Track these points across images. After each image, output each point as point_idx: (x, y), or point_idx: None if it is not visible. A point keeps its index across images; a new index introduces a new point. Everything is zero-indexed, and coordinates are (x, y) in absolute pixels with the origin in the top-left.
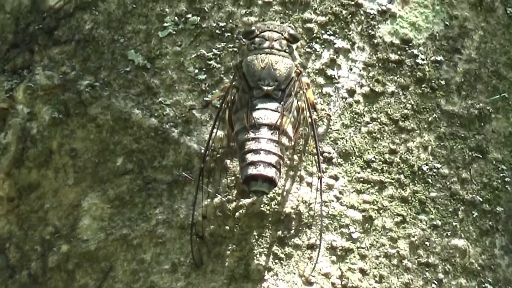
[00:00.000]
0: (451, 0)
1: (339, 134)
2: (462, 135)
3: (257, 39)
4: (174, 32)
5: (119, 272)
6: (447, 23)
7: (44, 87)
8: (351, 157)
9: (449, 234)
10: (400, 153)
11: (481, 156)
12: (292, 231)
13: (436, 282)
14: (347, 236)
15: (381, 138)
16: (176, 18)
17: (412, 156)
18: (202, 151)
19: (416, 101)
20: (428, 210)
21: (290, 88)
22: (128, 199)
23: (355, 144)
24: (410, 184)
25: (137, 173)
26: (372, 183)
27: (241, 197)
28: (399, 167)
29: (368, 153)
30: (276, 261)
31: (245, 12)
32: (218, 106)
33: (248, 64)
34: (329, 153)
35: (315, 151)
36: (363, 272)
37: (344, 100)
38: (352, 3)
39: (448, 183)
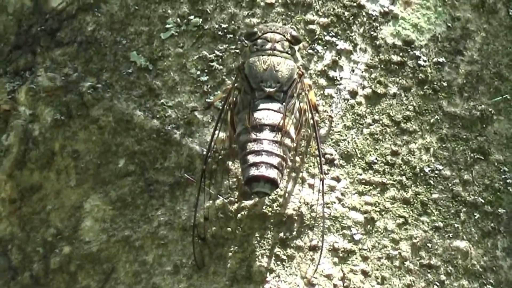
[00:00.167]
0: (453, 1)
1: (341, 135)
2: (464, 136)
3: (259, 41)
4: (176, 34)
5: (121, 274)
6: (449, 24)
7: (46, 89)
8: (353, 159)
9: (451, 236)
10: (402, 155)
11: (483, 158)
12: (294, 233)
13: (438, 284)
14: (349, 238)
15: (383, 140)
16: (178, 19)
17: (414, 157)
18: (204, 152)
19: (418, 102)
20: (430, 211)
21: (292, 90)
22: (130, 200)
23: (357, 145)
24: (412, 185)
25: (139, 174)
26: (374, 185)
27: (243, 199)
28: (401, 168)
29: (370, 154)
30: (278, 262)
31: (247, 14)
32: (220, 107)
33: (250, 66)
34: (331, 154)
35: (317, 152)
36: (365, 273)
37: (346, 101)
38: (354, 4)
39: (450, 184)
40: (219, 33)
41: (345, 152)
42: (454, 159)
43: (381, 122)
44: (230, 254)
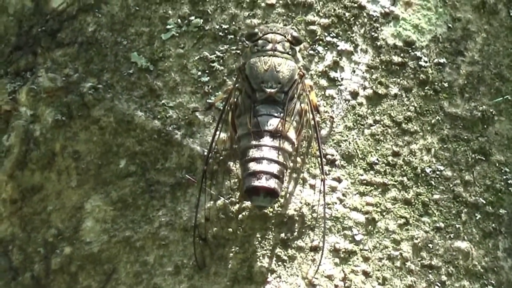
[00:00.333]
0: (454, 2)
1: (342, 136)
2: (465, 137)
3: (260, 41)
4: (177, 34)
5: (122, 274)
6: (450, 25)
7: (47, 89)
8: (354, 159)
9: (452, 236)
10: (403, 155)
11: (484, 158)
12: (295, 233)
13: (439, 284)
14: (350, 238)
15: (384, 140)
16: (179, 20)
17: (415, 158)
18: (205, 153)
19: (419, 103)
20: (431, 212)
21: (293, 90)
22: (131, 201)
23: (358, 146)
24: (413, 186)
25: (140, 175)
26: (375, 185)
27: (244, 199)
28: (402, 169)
29: (371, 155)
30: (279, 263)
31: (248, 15)
32: (221, 108)
33: (251, 66)
34: (332, 155)
35: (318, 153)
36: (366, 274)
37: (347, 102)
38: (355, 5)
39: (451, 185)
40: (220, 33)
41: (346, 153)
42: (455, 160)
43: (382, 122)
44: (231, 254)
